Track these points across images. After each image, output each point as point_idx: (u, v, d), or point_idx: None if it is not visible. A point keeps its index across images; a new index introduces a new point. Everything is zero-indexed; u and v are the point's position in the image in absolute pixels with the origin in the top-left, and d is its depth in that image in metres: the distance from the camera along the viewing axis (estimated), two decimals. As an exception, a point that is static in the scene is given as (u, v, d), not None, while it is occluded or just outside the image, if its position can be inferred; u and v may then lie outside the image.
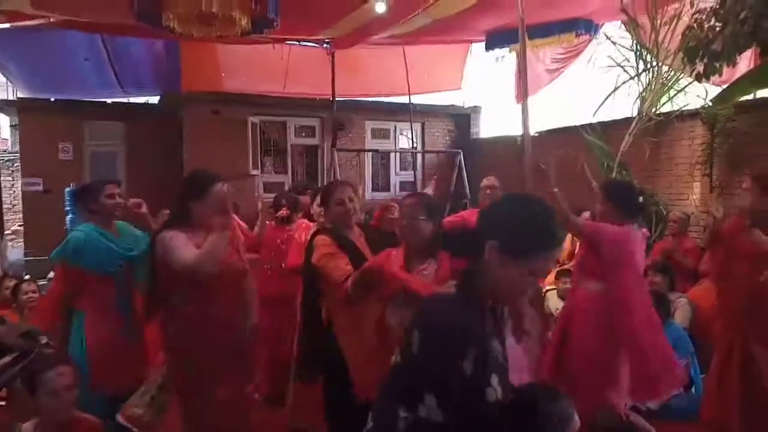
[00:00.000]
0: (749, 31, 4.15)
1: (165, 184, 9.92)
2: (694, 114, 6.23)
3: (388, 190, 10.90)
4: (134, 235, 3.22)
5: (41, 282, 7.52)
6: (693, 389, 3.77)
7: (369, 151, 10.50)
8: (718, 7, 4.44)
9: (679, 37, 5.20)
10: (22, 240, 9.69)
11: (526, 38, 6.34)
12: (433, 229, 2.51)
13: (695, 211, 6.13)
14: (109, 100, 9.98)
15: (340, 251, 2.59)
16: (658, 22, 6.07)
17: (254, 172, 9.67)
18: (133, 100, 10.42)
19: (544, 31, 7.26)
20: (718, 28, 4.40)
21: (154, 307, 2.78)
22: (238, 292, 2.82)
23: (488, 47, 8.01)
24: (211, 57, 8.93)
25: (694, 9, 5.05)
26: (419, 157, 10.85)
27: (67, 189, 8.88)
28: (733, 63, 4.61)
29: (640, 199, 3.34)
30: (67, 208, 8.75)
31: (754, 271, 3.27)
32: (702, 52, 4.55)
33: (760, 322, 3.28)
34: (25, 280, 4.68)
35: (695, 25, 4.64)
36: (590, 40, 7.88)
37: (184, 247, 2.52)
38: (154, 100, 10.39)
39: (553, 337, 3.47)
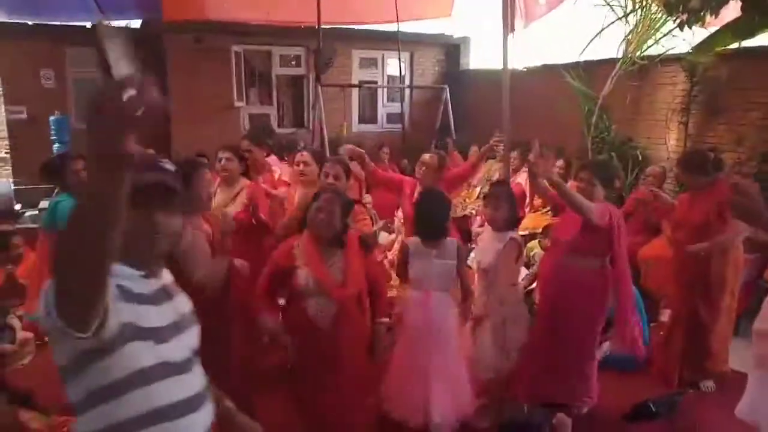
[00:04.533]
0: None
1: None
2: (677, 59, 6.16)
3: (376, 122, 10.84)
4: None
5: (31, 212, 7.69)
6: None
7: (354, 86, 10.27)
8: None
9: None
10: (9, 167, 9.71)
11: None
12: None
13: (670, 156, 6.22)
14: (88, 25, 9.64)
15: None
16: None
17: (239, 103, 9.57)
18: (113, 24, 10.06)
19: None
20: (698, -18, 4.34)
21: None
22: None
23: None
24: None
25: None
26: (407, 90, 10.69)
27: (52, 117, 8.80)
28: (716, 14, 4.60)
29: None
30: (53, 137, 8.70)
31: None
32: (682, 7, 4.51)
33: (705, 288, 3.63)
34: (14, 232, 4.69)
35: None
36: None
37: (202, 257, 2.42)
38: (135, 24, 10.05)
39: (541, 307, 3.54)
